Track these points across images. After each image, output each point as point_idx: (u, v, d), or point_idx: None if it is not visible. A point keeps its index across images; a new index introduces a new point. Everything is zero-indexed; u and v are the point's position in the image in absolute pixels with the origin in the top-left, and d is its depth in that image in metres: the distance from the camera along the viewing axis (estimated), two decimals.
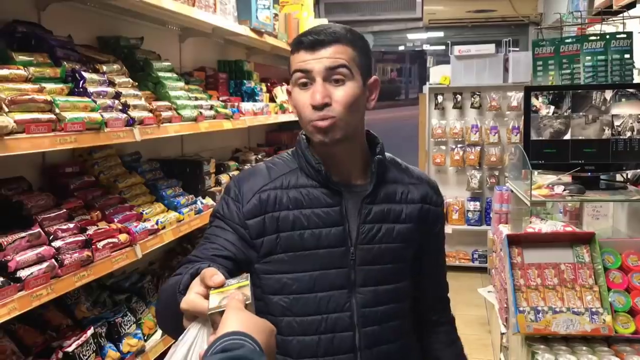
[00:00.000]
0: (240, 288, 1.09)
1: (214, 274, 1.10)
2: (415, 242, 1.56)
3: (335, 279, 1.46)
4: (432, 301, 1.70)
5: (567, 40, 3.07)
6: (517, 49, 7.52)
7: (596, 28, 3.45)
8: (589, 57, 2.98)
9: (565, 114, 2.79)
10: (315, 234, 1.45)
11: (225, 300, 1.05)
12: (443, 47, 9.58)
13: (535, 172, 2.84)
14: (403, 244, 1.52)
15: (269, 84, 4.48)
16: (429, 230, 1.59)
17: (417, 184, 1.58)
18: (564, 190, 2.66)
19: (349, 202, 1.48)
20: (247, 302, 1.05)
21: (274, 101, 4.36)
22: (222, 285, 1.10)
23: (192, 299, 1.08)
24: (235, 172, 3.64)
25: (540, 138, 2.81)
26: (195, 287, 1.11)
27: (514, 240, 2.58)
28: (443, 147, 6.84)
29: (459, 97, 6.71)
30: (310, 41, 1.42)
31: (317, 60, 1.40)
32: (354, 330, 1.47)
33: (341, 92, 1.41)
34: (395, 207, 1.52)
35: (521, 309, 2.38)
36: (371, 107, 1.52)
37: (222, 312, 1.02)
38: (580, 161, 2.76)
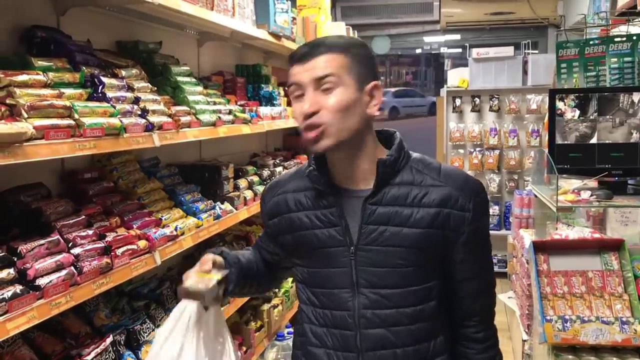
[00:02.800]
0: (211, 279, 1.50)
1: (205, 261, 1.56)
2: (434, 248, 1.50)
3: (338, 278, 1.53)
4: (464, 315, 1.60)
5: (592, 42, 3.01)
6: (536, 51, 7.45)
7: (620, 29, 3.39)
8: (615, 59, 2.92)
9: (591, 117, 2.73)
10: (317, 234, 1.54)
11: (193, 283, 1.48)
12: (460, 50, 9.51)
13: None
14: (412, 248, 1.48)
15: (286, 88, 4.45)
16: (454, 238, 1.50)
17: (440, 186, 1.50)
18: (591, 195, 2.59)
19: (348, 204, 1.52)
20: (204, 290, 1.47)
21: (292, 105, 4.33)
22: (208, 272, 1.51)
23: (185, 275, 1.53)
24: (254, 177, 3.61)
25: (566, 142, 2.75)
26: (195, 267, 1.55)
27: (539, 247, 2.52)
28: (461, 151, 6.77)
29: (477, 100, 6.64)
30: (300, 54, 1.49)
31: (307, 72, 1.46)
32: (355, 330, 1.51)
33: (331, 99, 1.45)
34: (405, 210, 1.48)
35: (548, 317, 2.32)
36: (374, 112, 1.51)
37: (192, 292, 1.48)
38: (607, 165, 2.70)
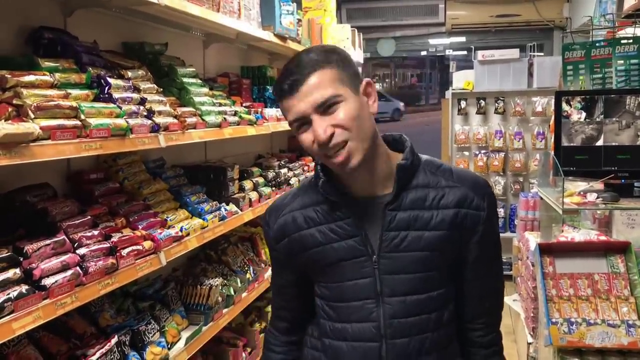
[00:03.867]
0: None
1: None
2: (452, 249, 1.49)
3: (360, 290, 1.47)
4: (471, 317, 1.58)
5: (598, 44, 3.00)
6: (542, 53, 7.42)
7: (627, 31, 3.38)
8: (622, 61, 2.91)
9: (597, 119, 2.72)
10: (334, 248, 1.48)
11: None
12: (465, 52, 9.49)
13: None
14: (435, 252, 1.46)
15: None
16: (469, 237, 1.50)
17: (455, 187, 1.49)
18: (597, 197, 2.58)
19: (364, 212, 1.47)
20: None
21: None
22: None
23: None
24: (259, 179, 3.61)
25: (572, 144, 2.74)
26: None
27: (545, 249, 2.51)
28: (466, 153, 6.76)
29: (482, 102, 6.62)
30: (288, 85, 1.39)
31: (304, 102, 1.38)
32: (380, 341, 1.46)
33: (340, 116, 1.38)
34: (424, 214, 1.46)
35: (554, 320, 2.31)
36: (376, 109, 1.48)
37: None
38: (613, 168, 2.68)
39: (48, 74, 1.92)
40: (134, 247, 2.22)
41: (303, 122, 1.40)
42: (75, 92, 1.98)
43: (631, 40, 2.90)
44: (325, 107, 1.37)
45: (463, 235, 1.49)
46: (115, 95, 2.17)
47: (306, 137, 1.41)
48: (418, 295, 1.46)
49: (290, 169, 4.09)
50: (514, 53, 6.44)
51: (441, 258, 1.48)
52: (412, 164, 1.49)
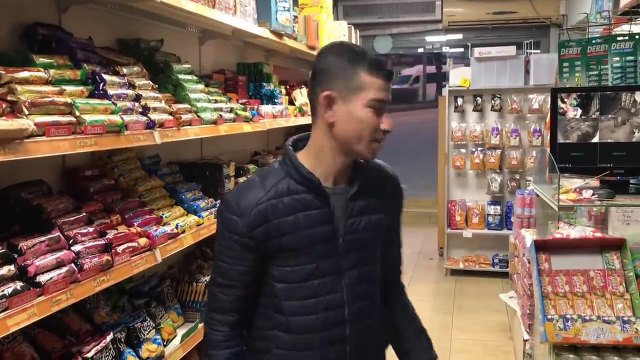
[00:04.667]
0: None
1: None
2: (386, 228, 1.79)
3: (328, 268, 1.68)
4: (393, 279, 1.92)
5: (594, 41, 3.00)
6: (538, 50, 7.43)
7: (623, 28, 3.38)
8: (617, 58, 2.92)
9: (593, 116, 2.73)
10: (308, 234, 1.64)
11: None
12: (462, 50, 9.51)
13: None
14: (377, 231, 1.75)
15: (288, 87, 4.45)
16: (394, 216, 1.84)
17: (387, 177, 1.82)
18: (593, 194, 2.59)
19: (336, 203, 1.68)
20: None
21: (293, 104, 4.33)
22: None
23: None
24: None
25: (568, 141, 2.74)
26: None
27: (541, 246, 2.52)
28: (463, 150, 6.75)
29: (479, 99, 6.62)
30: (388, 73, 1.62)
31: (389, 92, 1.64)
32: (343, 306, 1.70)
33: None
34: (373, 201, 1.74)
35: (549, 317, 2.32)
36: None
37: None
38: (608, 165, 2.69)
39: (42, 70, 1.91)
40: (129, 244, 2.21)
41: (379, 107, 1.60)
42: (69, 88, 1.98)
43: (627, 37, 2.90)
44: None
45: (391, 216, 1.82)
46: (110, 91, 2.17)
47: (374, 119, 1.60)
48: (368, 267, 1.75)
49: None
50: (511, 50, 6.44)
51: (380, 236, 1.77)
52: (366, 161, 1.75)
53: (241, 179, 3.42)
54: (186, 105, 2.68)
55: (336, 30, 5.19)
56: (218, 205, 1.70)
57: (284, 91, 4.18)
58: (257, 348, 1.75)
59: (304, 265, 1.66)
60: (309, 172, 1.65)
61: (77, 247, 1.98)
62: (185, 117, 2.58)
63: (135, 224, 2.35)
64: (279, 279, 1.67)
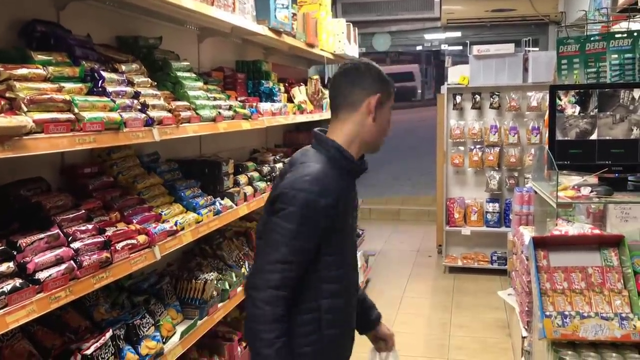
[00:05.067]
0: None
1: None
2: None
3: (352, 251, 2.10)
4: None
5: (592, 38, 3.00)
6: (537, 48, 7.43)
7: (621, 25, 3.38)
8: (616, 55, 2.92)
9: (591, 113, 2.73)
10: (350, 213, 2.01)
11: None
12: (460, 47, 9.50)
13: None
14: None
15: (287, 84, 4.45)
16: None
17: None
18: (591, 191, 2.59)
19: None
20: None
21: (292, 101, 4.33)
22: None
23: None
24: (254, 173, 3.61)
25: (566, 138, 2.75)
26: None
27: (539, 243, 2.52)
28: (461, 148, 6.76)
29: (477, 97, 6.62)
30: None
31: None
32: (356, 267, 2.14)
33: None
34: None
35: (547, 313, 2.32)
36: None
37: None
38: (607, 162, 2.69)
39: (41, 67, 1.91)
40: (129, 241, 2.21)
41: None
42: (68, 85, 1.98)
43: (625, 35, 2.91)
44: None
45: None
46: (109, 88, 2.17)
47: (389, 116, 2.02)
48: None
49: (285, 164, 4.08)
50: (509, 48, 6.44)
51: None
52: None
53: (240, 177, 3.42)
54: (185, 103, 2.68)
55: (335, 28, 5.19)
56: (289, 190, 1.86)
57: (282, 89, 4.18)
58: (304, 321, 1.92)
59: (341, 248, 1.97)
60: (354, 159, 1.96)
61: (76, 244, 1.98)
62: (184, 114, 2.58)
63: (134, 221, 2.35)
64: (327, 264, 1.92)
